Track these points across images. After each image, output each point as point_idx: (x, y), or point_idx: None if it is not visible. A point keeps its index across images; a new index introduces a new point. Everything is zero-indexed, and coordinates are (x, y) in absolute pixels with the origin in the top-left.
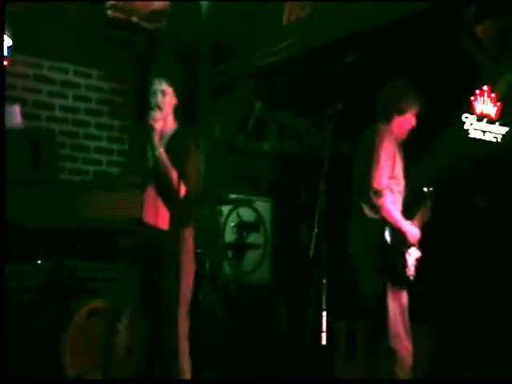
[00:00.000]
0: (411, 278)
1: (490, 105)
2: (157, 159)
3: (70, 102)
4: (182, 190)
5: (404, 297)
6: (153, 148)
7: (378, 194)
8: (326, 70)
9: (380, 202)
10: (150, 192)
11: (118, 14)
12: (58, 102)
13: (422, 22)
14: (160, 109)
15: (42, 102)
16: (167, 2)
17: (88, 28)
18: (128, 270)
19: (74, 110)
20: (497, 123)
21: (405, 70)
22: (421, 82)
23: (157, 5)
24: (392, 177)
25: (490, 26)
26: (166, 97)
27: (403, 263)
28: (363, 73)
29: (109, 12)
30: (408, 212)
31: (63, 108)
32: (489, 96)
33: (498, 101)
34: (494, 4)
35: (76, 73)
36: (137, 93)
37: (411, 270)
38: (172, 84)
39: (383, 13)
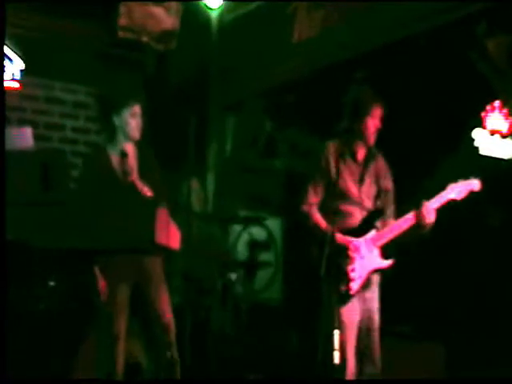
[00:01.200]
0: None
1: (502, 120)
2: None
3: (81, 123)
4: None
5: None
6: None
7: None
8: (336, 88)
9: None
10: (162, 213)
11: (128, 35)
12: (69, 123)
13: (432, 39)
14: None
15: (54, 123)
16: (177, 23)
17: (98, 49)
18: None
19: (85, 131)
20: (508, 139)
21: (415, 88)
22: (431, 99)
23: (167, 25)
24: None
25: (501, 41)
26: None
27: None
28: (373, 90)
29: (119, 33)
30: None
31: (75, 129)
32: (500, 111)
33: (510, 116)
34: (506, 20)
35: (87, 94)
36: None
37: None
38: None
39: (393, 31)
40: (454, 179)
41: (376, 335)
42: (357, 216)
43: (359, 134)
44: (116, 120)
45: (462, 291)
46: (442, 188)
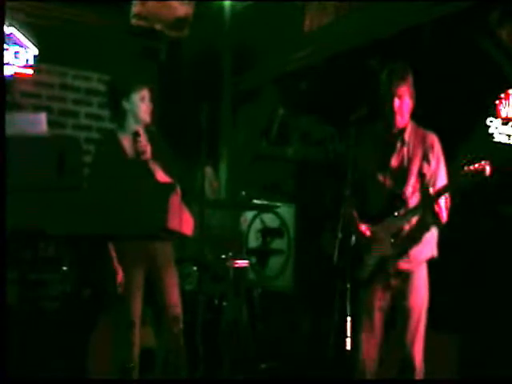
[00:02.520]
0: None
1: None
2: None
3: (94, 110)
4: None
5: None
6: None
7: None
8: (350, 75)
9: None
10: (175, 198)
11: (141, 23)
12: (83, 109)
13: (446, 27)
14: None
15: (68, 109)
16: (190, 11)
17: (112, 36)
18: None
19: (99, 118)
20: None
21: (429, 75)
22: (445, 87)
23: (180, 13)
24: None
25: None
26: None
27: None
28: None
29: (133, 20)
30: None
31: (88, 115)
32: None
33: None
34: None
35: (100, 81)
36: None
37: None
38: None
39: (406, 18)
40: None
41: (414, 314)
42: (376, 201)
43: (388, 111)
44: (125, 104)
45: (477, 283)
46: (456, 176)
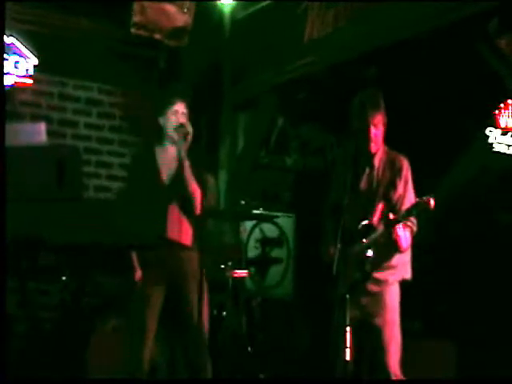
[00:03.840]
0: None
1: None
2: (179, 175)
3: (94, 120)
4: (200, 206)
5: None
6: (177, 163)
7: None
8: (349, 84)
9: None
10: (174, 208)
11: (141, 32)
12: (82, 119)
13: (444, 36)
14: (177, 125)
15: (67, 119)
16: (189, 20)
17: (111, 46)
18: (146, 285)
19: (98, 127)
20: None
21: (427, 86)
22: (444, 97)
23: (179, 22)
24: None
25: None
26: (181, 116)
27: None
28: (386, 88)
29: (132, 30)
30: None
31: (87, 125)
32: None
33: None
34: None
35: (100, 90)
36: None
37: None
38: (189, 107)
39: (405, 28)
40: (468, 176)
41: (384, 331)
42: (350, 223)
43: (363, 138)
44: (160, 120)
45: (474, 289)
46: (456, 185)
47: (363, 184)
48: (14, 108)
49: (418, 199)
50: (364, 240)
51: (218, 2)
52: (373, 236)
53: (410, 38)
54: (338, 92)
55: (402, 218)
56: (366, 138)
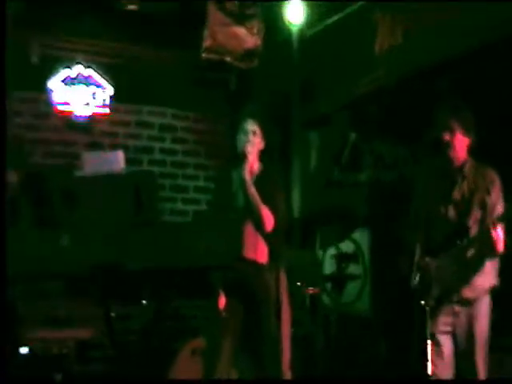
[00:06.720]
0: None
1: None
2: (247, 196)
3: (168, 145)
4: (270, 226)
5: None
6: (243, 185)
7: None
8: (422, 96)
9: None
10: (249, 228)
11: (212, 56)
12: (157, 145)
13: None
14: (251, 146)
15: (143, 146)
16: (259, 42)
17: (182, 72)
18: (226, 305)
19: (172, 152)
20: None
21: (498, 95)
22: None
23: (249, 44)
24: None
25: None
26: (255, 137)
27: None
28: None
29: (203, 54)
30: None
31: (162, 150)
32: None
33: None
34: None
35: (174, 116)
36: (230, 132)
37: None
38: (262, 127)
39: (477, 38)
40: None
41: (477, 341)
42: (439, 232)
43: (451, 150)
44: (237, 139)
45: None
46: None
47: (456, 194)
48: (93, 138)
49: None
50: (459, 242)
51: (286, 22)
52: (469, 240)
53: (484, 47)
54: (411, 104)
55: (498, 220)
56: (446, 145)
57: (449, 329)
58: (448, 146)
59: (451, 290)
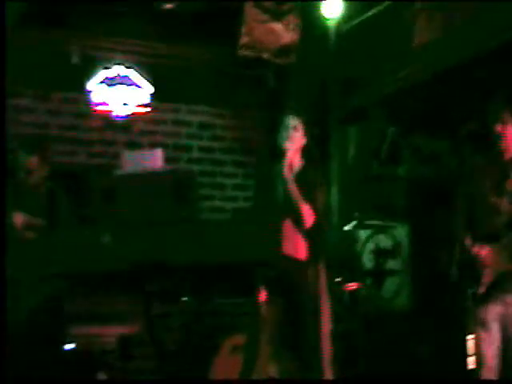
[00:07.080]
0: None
1: None
2: (287, 192)
3: (206, 143)
4: (310, 223)
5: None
6: (283, 182)
7: None
8: (460, 88)
9: None
10: (289, 224)
11: (249, 52)
12: (195, 143)
13: None
14: (291, 142)
15: (181, 144)
16: (295, 37)
17: (220, 69)
18: (266, 301)
19: (210, 150)
20: None
21: None
22: None
23: (286, 40)
24: None
25: None
26: (297, 133)
27: None
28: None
29: (240, 51)
30: None
31: (201, 149)
32: None
33: None
34: None
35: (210, 114)
36: (268, 129)
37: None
38: (304, 123)
39: None
40: None
41: None
42: (491, 221)
43: (504, 142)
44: (277, 136)
45: None
46: None
47: (509, 185)
48: (132, 137)
49: None
50: None
51: (323, 17)
52: None
53: None
54: (450, 97)
55: None
56: (497, 136)
57: (497, 317)
58: (500, 137)
59: (504, 277)
